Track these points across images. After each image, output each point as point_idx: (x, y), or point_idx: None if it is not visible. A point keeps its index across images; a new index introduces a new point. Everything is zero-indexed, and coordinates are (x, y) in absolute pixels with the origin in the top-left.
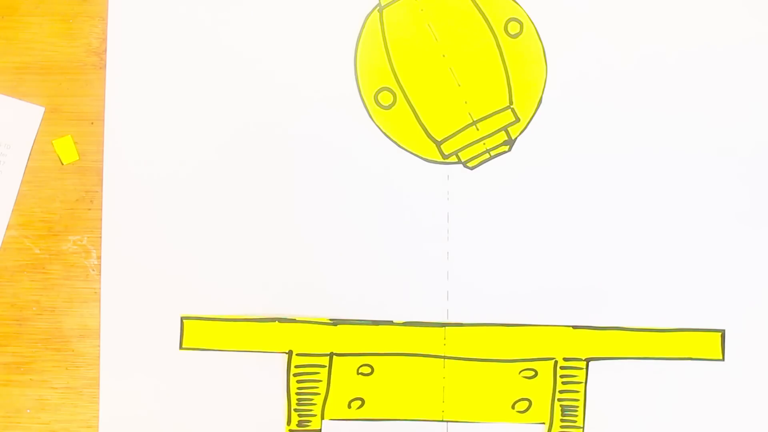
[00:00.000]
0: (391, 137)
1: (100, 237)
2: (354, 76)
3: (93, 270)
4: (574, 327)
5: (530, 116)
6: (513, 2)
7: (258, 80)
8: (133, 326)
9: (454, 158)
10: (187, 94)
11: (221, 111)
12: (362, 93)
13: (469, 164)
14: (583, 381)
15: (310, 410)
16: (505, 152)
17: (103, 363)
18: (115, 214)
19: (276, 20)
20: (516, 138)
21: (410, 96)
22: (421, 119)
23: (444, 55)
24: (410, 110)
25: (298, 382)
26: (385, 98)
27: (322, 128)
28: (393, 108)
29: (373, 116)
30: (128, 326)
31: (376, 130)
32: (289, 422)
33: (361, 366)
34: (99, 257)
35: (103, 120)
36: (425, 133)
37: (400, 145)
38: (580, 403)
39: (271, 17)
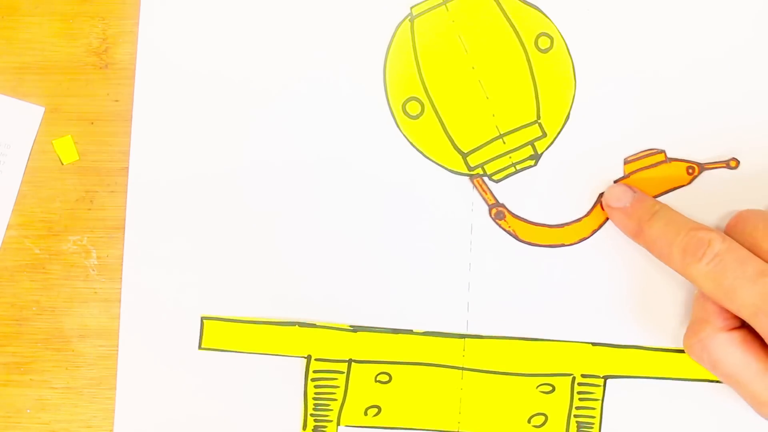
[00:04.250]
0: (418, 147)
1: (101, 237)
2: (383, 85)
3: (93, 270)
4: (593, 344)
5: (557, 132)
6: (544, 17)
7: (286, 87)
8: (152, 326)
9: (479, 170)
10: (213, 98)
11: (248, 115)
12: (390, 102)
13: (495, 177)
14: (600, 398)
15: (327, 416)
16: (530, 167)
17: (121, 362)
18: (138, 213)
19: (306, 27)
20: (542, 153)
21: (438, 107)
22: (448, 130)
23: (473, 68)
24: (438, 121)
25: (316, 387)
26: (413, 108)
27: (349, 136)
28: (420, 118)
29: (400, 126)
30: (148, 325)
31: (402, 140)
32: (304, 426)
33: (379, 374)
34: (99, 257)
35: (106, 120)
36: (452, 144)
37: (427, 155)
38: (596, 421)
39: (301, 23)
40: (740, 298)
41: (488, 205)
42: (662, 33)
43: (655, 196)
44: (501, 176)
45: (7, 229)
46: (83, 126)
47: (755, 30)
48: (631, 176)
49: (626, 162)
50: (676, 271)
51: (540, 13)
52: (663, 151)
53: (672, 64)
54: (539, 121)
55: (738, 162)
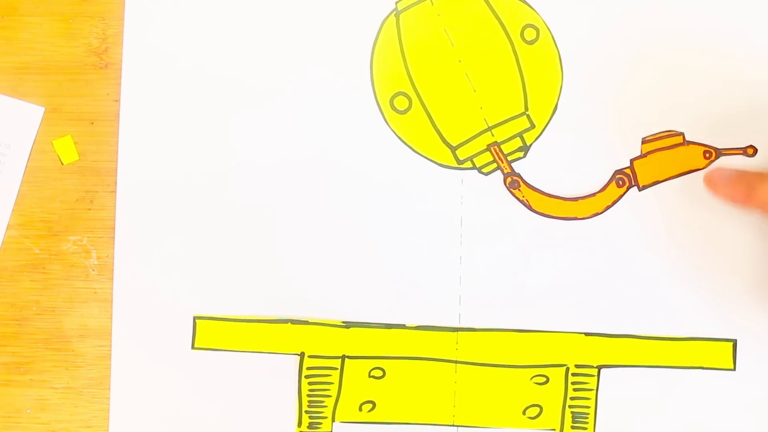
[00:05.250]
0: (407, 142)
1: (100, 237)
2: (370, 81)
3: (93, 270)
4: (586, 334)
5: (545, 123)
6: (530, 9)
7: (274, 85)
8: (145, 326)
9: (468, 163)
10: (201, 96)
11: (235, 113)
12: (378, 97)
13: (484, 170)
14: (594, 388)
15: (321, 412)
16: (520, 158)
17: (114, 363)
18: (129, 213)
19: (293, 25)
20: (531, 144)
21: (426, 101)
22: (437, 124)
23: (460, 61)
24: (426, 115)
25: (310, 384)
26: (401, 103)
27: (337, 132)
28: (408, 113)
29: (388, 121)
30: (140, 326)
31: (391, 135)
32: (299, 424)
33: (372, 369)
34: (99, 257)
35: (106, 120)
36: (440, 138)
37: (415, 149)
38: (591, 410)
39: (288, 21)
40: None
41: (503, 173)
42: (646, 21)
43: (671, 178)
44: (490, 169)
45: (7, 229)
46: (83, 126)
47: (747, 26)
48: (648, 155)
49: (644, 141)
50: None
51: (525, 5)
52: (681, 134)
53: (656, 53)
54: (527, 112)
55: (755, 149)
